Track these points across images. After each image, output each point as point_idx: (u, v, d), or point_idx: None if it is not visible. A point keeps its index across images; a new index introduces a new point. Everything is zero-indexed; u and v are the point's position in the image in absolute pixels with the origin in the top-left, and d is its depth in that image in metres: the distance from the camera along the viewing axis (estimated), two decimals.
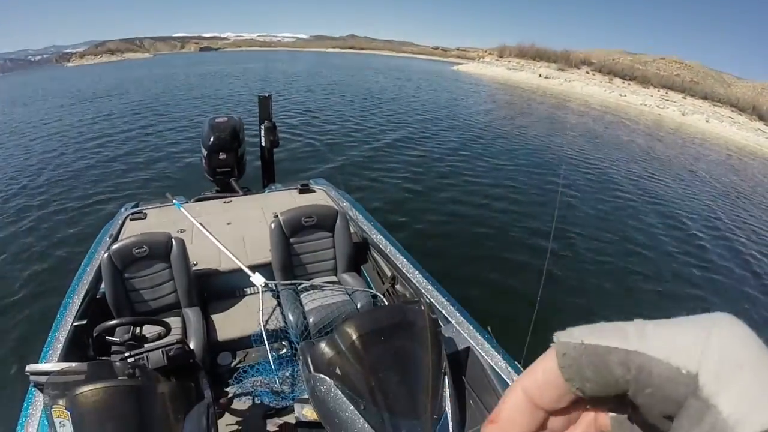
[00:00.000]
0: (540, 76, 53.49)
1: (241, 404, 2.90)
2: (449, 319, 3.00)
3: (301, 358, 2.18)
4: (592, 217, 9.85)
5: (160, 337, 2.62)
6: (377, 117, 18.77)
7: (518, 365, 2.62)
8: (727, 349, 0.22)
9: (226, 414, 2.76)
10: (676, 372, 0.21)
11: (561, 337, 0.30)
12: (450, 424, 2.04)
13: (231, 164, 5.70)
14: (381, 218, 4.88)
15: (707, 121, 43.05)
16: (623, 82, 52.11)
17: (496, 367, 2.61)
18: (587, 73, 54.36)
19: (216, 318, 3.53)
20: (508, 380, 2.51)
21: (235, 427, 2.73)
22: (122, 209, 4.74)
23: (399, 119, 18.58)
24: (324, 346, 2.14)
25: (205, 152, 5.62)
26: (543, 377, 0.30)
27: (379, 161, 12.14)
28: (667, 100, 48.26)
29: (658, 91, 50.29)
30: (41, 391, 1.82)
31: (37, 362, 2.40)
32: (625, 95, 49.08)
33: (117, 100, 22.30)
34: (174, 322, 3.14)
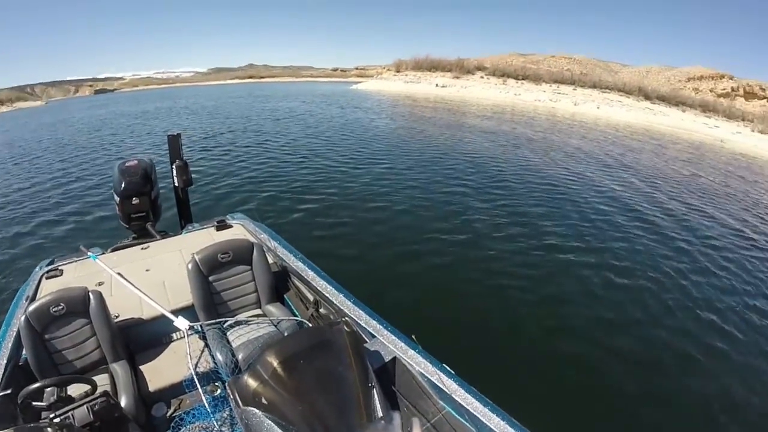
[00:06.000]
0: (437, 86, 55.00)
1: None
2: (374, 334, 3.07)
3: (230, 394, 2.17)
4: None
5: (87, 395, 2.51)
6: (284, 146, 18.64)
7: (446, 368, 2.71)
8: None
9: None
10: None
11: None
12: None
13: (145, 209, 5.52)
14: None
15: (598, 108, 46.17)
16: (517, 82, 54.63)
17: (425, 373, 2.70)
18: (482, 77, 56.51)
19: (145, 369, 3.39)
20: (438, 383, 2.59)
21: None
22: (37, 268, 4.49)
23: (308, 146, 18.54)
24: (248, 378, 2.14)
25: (117, 199, 5.42)
26: None
27: (295, 187, 12.09)
28: (560, 93, 51.13)
29: (550, 86, 53.10)
30: None
31: None
32: (520, 94, 51.50)
33: (9, 154, 20.71)
34: (102, 379, 3.02)
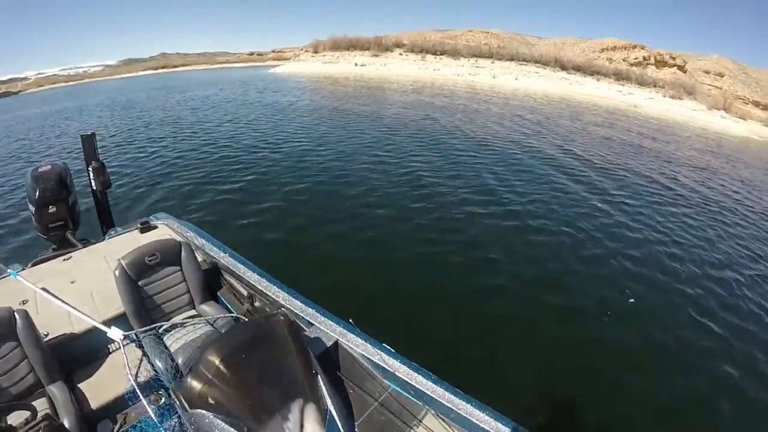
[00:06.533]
0: (357, 65, 54.89)
1: None
2: (311, 321, 3.08)
3: (175, 400, 2.14)
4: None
5: (28, 422, 2.39)
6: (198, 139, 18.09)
7: (387, 347, 2.77)
8: None
9: None
10: None
11: None
12: (336, 418, 2.12)
13: (64, 216, 5.25)
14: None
15: (516, 79, 47.75)
16: (436, 58, 55.31)
17: (366, 354, 2.76)
18: (401, 54, 56.83)
19: (84, 386, 3.21)
20: (380, 363, 2.66)
21: None
22: None
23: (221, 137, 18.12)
24: (191, 381, 2.11)
25: (33, 208, 5.13)
26: None
27: (217, 177, 11.79)
28: (478, 67, 52.31)
29: (469, 60, 54.13)
30: None
31: None
32: (439, 69, 52.27)
33: None
34: (41, 404, 2.85)
